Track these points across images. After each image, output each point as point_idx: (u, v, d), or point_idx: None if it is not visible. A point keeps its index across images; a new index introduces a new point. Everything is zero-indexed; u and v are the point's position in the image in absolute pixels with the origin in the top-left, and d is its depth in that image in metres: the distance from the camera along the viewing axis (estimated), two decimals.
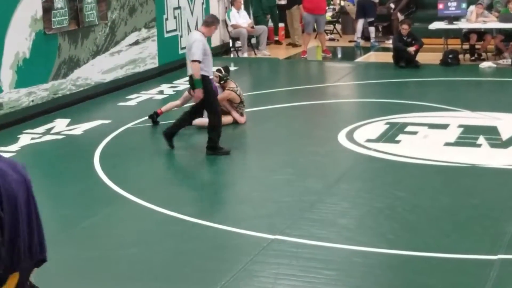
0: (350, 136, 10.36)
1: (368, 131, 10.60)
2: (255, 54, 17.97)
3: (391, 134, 10.41)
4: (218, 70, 11.19)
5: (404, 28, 15.56)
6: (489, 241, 6.78)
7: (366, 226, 7.34)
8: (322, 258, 6.53)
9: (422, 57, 15.63)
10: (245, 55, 17.72)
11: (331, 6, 21.69)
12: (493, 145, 9.78)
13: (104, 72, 13.79)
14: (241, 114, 11.22)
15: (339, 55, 18.63)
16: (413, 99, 12.45)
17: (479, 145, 9.82)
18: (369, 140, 10.15)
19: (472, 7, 16.04)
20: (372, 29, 18.91)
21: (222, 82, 11.11)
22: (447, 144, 9.95)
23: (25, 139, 10.80)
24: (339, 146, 10.01)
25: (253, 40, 18.23)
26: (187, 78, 14.90)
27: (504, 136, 10.14)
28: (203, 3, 17.24)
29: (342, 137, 10.34)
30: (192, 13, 16.79)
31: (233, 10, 17.89)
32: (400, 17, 18.48)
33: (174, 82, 14.78)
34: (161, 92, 13.88)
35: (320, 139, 10.39)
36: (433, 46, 16.64)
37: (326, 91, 14.04)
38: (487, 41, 16.07)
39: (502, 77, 14.46)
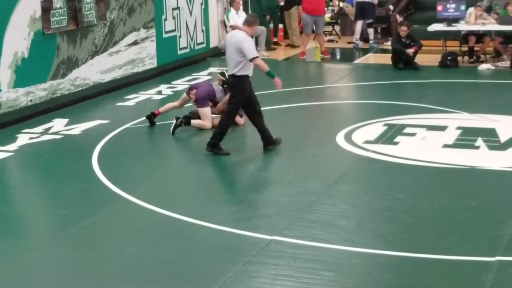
0: (348, 138, 10.36)
1: (367, 132, 10.60)
2: None
3: (389, 136, 10.41)
4: (222, 74, 11.17)
5: (403, 30, 15.56)
6: (487, 243, 6.78)
7: (364, 227, 7.34)
8: (321, 259, 6.53)
9: (421, 59, 15.63)
10: None
11: (330, 8, 21.70)
12: (491, 147, 9.79)
13: (102, 72, 13.79)
14: (241, 116, 11.20)
15: (338, 57, 18.63)
16: (412, 101, 12.45)
17: (478, 147, 9.82)
18: (367, 142, 10.15)
19: (471, 9, 16.04)
20: (371, 31, 18.92)
21: (225, 85, 11.07)
22: (445, 146, 9.95)
23: (23, 138, 10.79)
24: (338, 147, 10.01)
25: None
26: (187, 79, 15.02)
27: (502, 138, 10.14)
28: (202, 4, 17.24)
29: (340, 139, 10.34)
30: (190, 13, 16.79)
31: (232, 11, 17.87)
32: (399, 18, 18.48)
33: (172, 82, 14.77)
34: (159, 93, 13.88)
35: (319, 140, 10.39)
36: (432, 48, 16.65)
37: (325, 92, 14.04)
38: (486, 43, 16.08)
39: (501, 79, 14.46)
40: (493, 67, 15.42)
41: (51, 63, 12.46)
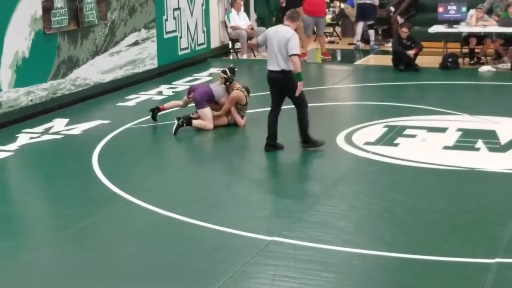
0: (348, 139, 10.36)
1: (367, 134, 10.60)
2: (255, 55, 17.97)
3: (389, 137, 10.41)
4: (223, 72, 11.16)
5: (404, 32, 15.56)
6: (487, 245, 6.79)
7: (364, 228, 7.34)
8: (320, 260, 6.53)
9: (422, 61, 15.63)
10: (245, 56, 17.73)
11: (331, 9, 21.71)
12: (491, 149, 9.79)
13: (103, 72, 13.79)
14: (242, 117, 11.20)
15: (339, 58, 18.64)
16: (412, 103, 12.45)
17: (478, 149, 9.82)
18: (367, 143, 10.15)
19: (472, 11, 16.05)
20: (371, 32, 18.92)
21: (227, 83, 11.08)
22: (445, 147, 9.95)
23: (23, 138, 10.80)
24: (338, 148, 10.01)
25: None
26: (187, 79, 15.02)
27: (503, 140, 10.15)
28: (202, 4, 17.24)
29: (340, 140, 10.34)
30: (191, 14, 16.79)
31: (233, 11, 17.89)
32: (400, 20, 18.47)
33: (173, 83, 14.78)
34: (160, 93, 13.88)
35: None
36: (433, 50, 16.65)
37: (325, 93, 14.04)
38: (487, 45, 16.08)
39: (501, 81, 14.46)
40: (494, 69, 15.43)
41: (52, 63, 12.46)
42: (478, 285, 6.00)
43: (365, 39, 19.05)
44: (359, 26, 18.79)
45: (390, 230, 7.21)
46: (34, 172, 9.70)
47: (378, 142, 10.22)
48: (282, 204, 7.96)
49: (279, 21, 19.60)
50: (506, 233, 7.02)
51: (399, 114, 11.63)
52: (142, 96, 13.59)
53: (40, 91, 12.20)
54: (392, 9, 19.32)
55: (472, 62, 16.14)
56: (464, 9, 16.21)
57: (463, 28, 16.06)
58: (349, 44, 19.35)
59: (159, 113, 11.48)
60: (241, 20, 17.90)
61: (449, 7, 16.22)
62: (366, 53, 18.35)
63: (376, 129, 10.78)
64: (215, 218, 7.53)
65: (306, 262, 6.49)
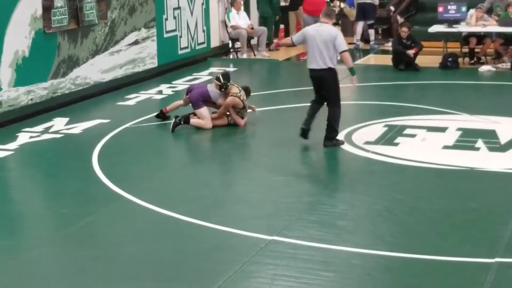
0: (348, 138, 10.36)
1: (367, 133, 10.60)
2: (255, 55, 17.97)
3: (389, 137, 10.41)
4: (217, 79, 11.14)
5: (404, 31, 15.57)
6: (486, 245, 6.79)
7: (364, 228, 7.34)
8: (320, 260, 6.53)
9: (422, 60, 15.63)
10: (245, 56, 17.73)
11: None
12: (491, 149, 9.79)
13: (103, 72, 13.79)
14: (242, 117, 11.19)
15: (338, 57, 18.58)
16: (412, 102, 12.46)
17: (478, 149, 9.83)
18: (367, 143, 10.15)
19: (472, 11, 16.05)
20: (371, 32, 18.92)
21: (223, 89, 11.06)
22: (445, 147, 9.96)
23: (23, 137, 10.80)
24: (338, 148, 10.01)
25: (253, 41, 18.22)
26: (187, 78, 15.02)
27: (503, 140, 10.15)
28: (202, 4, 17.24)
29: (340, 139, 10.32)
30: (191, 13, 16.79)
31: (233, 11, 17.89)
32: (400, 20, 18.48)
33: (173, 82, 14.79)
34: (160, 92, 13.89)
35: (319, 140, 10.38)
36: (433, 49, 16.66)
37: None
38: (487, 45, 16.08)
39: (501, 81, 14.46)
40: (494, 69, 15.43)
41: (52, 62, 12.46)
42: (478, 285, 6.01)
43: (365, 38, 19.05)
44: (359, 26, 18.79)
45: (390, 229, 7.21)
46: (34, 171, 9.70)
47: (378, 141, 10.22)
48: (282, 203, 7.95)
49: (281, 20, 19.70)
50: (506, 232, 7.02)
51: (399, 114, 11.63)
52: (142, 96, 13.60)
53: (40, 90, 12.20)
54: (392, 8, 19.32)
55: (472, 61, 16.14)
56: (464, 8, 16.21)
57: (463, 28, 16.06)
58: (349, 43, 19.19)
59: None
60: (241, 20, 17.90)
61: (449, 7, 16.22)
62: (366, 52, 18.35)
63: (376, 129, 10.78)
64: (215, 217, 7.53)
65: (306, 262, 6.49)
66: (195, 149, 10.77)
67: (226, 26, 18.01)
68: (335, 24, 20.69)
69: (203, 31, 17.36)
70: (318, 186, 8.51)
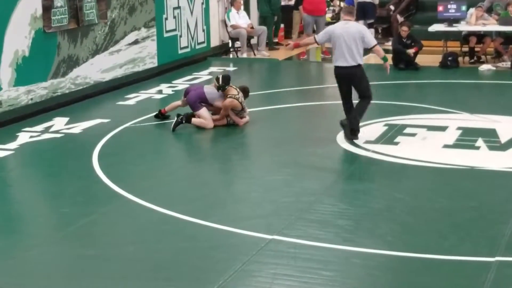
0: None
1: (367, 132, 10.58)
2: (254, 54, 17.97)
3: (390, 136, 10.41)
4: (217, 79, 11.13)
5: (404, 30, 15.57)
6: (487, 244, 6.79)
7: (364, 227, 7.33)
8: (320, 259, 6.53)
9: (422, 59, 15.63)
10: (244, 55, 17.72)
11: (331, 8, 21.70)
12: (491, 148, 9.79)
13: (103, 71, 13.79)
14: (241, 118, 11.17)
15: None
16: (412, 101, 12.46)
17: (478, 148, 9.82)
18: (368, 142, 10.15)
19: (472, 10, 16.05)
20: (371, 31, 18.89)
21: (220, 90, 11.05)
22: (445, 146, 9.95)
23: (23, 137, 10.80)
24: (338, 147, 10.01)
25: (253, 41, 18.22)
26: (187, 78, 15.03)
27: (503, 139, 10.15)
28: (202, 3, 17.24)
29: (341, 138, 10.33)
30: (191, 13, 16.79)
31: (233, 10, 17.89)
32: (400, 19, 18.48)
33: (173, 82, 14.79)
34: (160, 92, 13.89)
35: (319, 140, 10.39)
36: (433, 49, 16.65)
37: (325, 92, 14.05)
38: (487, 44, 16.08)
39: (501, 80, 14.46)
40: (494, 68, 15.43)
41: (52, 61, 12.46)
42: (478, 284, 6.00)
43: None
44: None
45: (390, 228, 7.21)
46: (34, 170, 9.70)
47: (378, 140, 10.22)
48: (282, 202, 7.95)
49: (282, 19, 19.69)
50: (506, 231, 7.02)
51: (399, 113, 11.63)
52: (142, 95, 13.60)
53: (40, 90, 12.20)
54: (392, 7, 19.32)
55: (472, 60, 16.14)
56: (464, 7, 16.21)
57: (463, 27, 16.06)
58: None
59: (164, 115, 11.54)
60: (241, 19, 17.89)
61: (449, 6, 16.21)
62: (366, 51, 18.26)
63: (376, 128, 10.78)
64: (215, 217, 7.53)
65: (306, 261, 6.49)
66: (195, 148, 10.77)
67: (226, 25, 18.00)
68: (335, 23, 20.85)
69: (203, 30, 17.36)
70: (318, 185, 8.50)
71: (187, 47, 16.66)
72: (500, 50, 16.07)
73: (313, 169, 9.20)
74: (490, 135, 10.30)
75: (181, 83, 14.58)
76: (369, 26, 18.82)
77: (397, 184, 8.61)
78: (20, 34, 11.74)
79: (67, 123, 11.55)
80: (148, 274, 6.32)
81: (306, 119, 12.09)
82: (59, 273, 6.49)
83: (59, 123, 11.57)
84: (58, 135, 10.92)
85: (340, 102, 10.36)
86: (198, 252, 6.75)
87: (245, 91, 11.27)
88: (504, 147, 9.84)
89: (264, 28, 18.17)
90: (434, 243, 6.84)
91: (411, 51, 15.31)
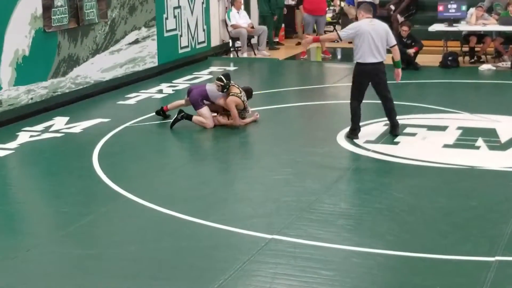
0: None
1: (367, 132, 10.59)
2: (255, 54, 17.97)
3: (390, 136, 10.41)
4: (219, 79, 11.10)
5: (404, 30, 15.56)
6: (486, 243, 6.79)
7: (364, 226, 7.34)
8: (320, 258, 6.53)
9: (422, 59, 15.63)
10: (245, 55, 17.73)
11: (332, 7, 21.70)
12: (491, 148, 9.79)
13: (103, 71, 13.80)
14: (242, 118, 11.16)
15: (339, 56, 18.64)
16: (412, 101, 12.46)
17: (478, 147, 9.83)
18: (368, 141, 10.15)
19: (472, 10, 16.05)
20: None
21: (225, 90, 11.03)
22: (445, 146, 9.96)
23: (24, 136, 10.81)
24: (338, 146, 10.02)
25: (254, 40, 18.23)
26: (188, 78, 15.03)
27: (503, 139, 10.15)
28: (203, 3, 17.24)
29: (341, 138, 10.34)
30: (192, 12, 16.79)
31: (233, 10, 17.89)
32: (400, 19, 18.47)
33: (173, 81, 14.79)
34: (160, 91, 13.89)
35: (319, 139, 10.40)
36: (433, 48, 16.65)
37: (326, 92, 14.05)
38: (487, 44, 16.08)
39: (501, 80, 14.46)
40: (494, 68, 15.43)
41: (52, 61, 12.46)
42: (478, 283, 6.01)
43: None
44: None
45: (390, 228, 7.21)
46: (34, 170, 9.70)
47: (378, 140, 10.22)
48: (283, 202, 7.96)
49: (283, 19, 19.69)
50: (506, 231, 7.02)
51: (399, 113, 11.56)
52: (143, 95, 13.60)
53: (40, 89, 12.20)
54: (392, 7, 19.30)
55: (472, 60, 16.14)
56: (464, 7, 16.21)
57: (463, 27, 16.06)
58: (350, 42, 19.28)
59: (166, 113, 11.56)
60: (242, 19, 17.90)
61: (449, 6, 16.21)
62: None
63: (377, 128, 10.78)
64: (216, 216, 7.53)
65: (306, 260, 6.49)
66: (195, 148, 10.77)
67: (227, 25, 18.01)
68: (335, 23, 20.89)
69: (204, 30, 17.37)
70: (319, 185, 8.50)
71: (187, 46, 16.66)
72: (500, 50, 16.07)
73: (314, 168, 9.20)
74: (490, 135, 10.31)
75: (182, 83, 14.58)
76: None
77: (397, 183, 8.62)
78: (20, 34, 11.75)
79: (67, 123, 11.55)
80: (148, 274, 6.32)
81: (307, 118, 12.09)
82: (59, 272, 6.49)
83: (59, 122, 11.58)
84: (58, 135, 10.92)
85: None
86: (198, 251, 6.75)
87: (248, 92, 11.27)
88: (504, 146, 9.84)
89: (264, 27, 18.17)
90: (434, 243, 6.84)
91: (411, 51, 15.31)
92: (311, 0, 17.49)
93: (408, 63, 15.39)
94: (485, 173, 8.89)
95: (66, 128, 11.25)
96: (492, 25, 15.82)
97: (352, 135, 10.28)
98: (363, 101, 10.56)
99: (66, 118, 11.79)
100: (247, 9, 18.99)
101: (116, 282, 6.24)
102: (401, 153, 9.61)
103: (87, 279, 6.29)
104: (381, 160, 9.43)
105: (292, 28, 20.55)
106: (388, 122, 10.59)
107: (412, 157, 9.43)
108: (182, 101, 11.59)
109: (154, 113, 11.70)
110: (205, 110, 11.02)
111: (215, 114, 11.17)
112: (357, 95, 10.34)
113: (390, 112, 10.42)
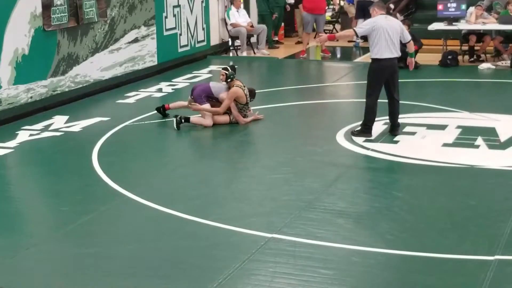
0: (348, 136, 10.36)
1: None
2: (254, 53, 17.97)
3: (389, 134, 10.41)
4: (225, 68, 11.11)
5: None
6: (486, 242, 6.79)
7: (364, 225, 7.34)
8: (320, 257, 6.53)
9: (421, 58, 15.63)
10: (244, 54, 17.73)
11: (331, 6, 21.70)
12: (491, 146, 9.79)
13: (103, 70, 13.79)
14: (244, 116, 11.15)
15: (338, 55, 18.64)
16: (412, 100, 12.45)
17: (477, 146, 9.83)
18: (367, 140, 10.15)
19: (471, 9, 16.04)
20: None
21: (229, 80, 11.05)
22: (445, 144, 9.96)
23: (23, 135, 10.80)
24: (338, 145, 10.02)
25: (253, 39, 18.23)
26: (187, 76, 15.02)
27: (502, 138, 10.15)
28: (202, 2, 17.23)
29: (340, 137, 10.34)
30: (191, 11, 16.79)
31: (233, 9, 17.89)
32: (400, 17, 18.44)
33: (173, 80, 14.79)
34: (159, 90, 13.89)
35: (319, 138, 10.40)
36: (432, 47, 16.65)
37: (325, 90, 14.04)
38: (486, 43, 16.08)
39: (501, 79, 14.47)
40: (494, 67, 15.43)
41: (52, 60, 12.46)
42: (478, 282, 6.01)
43: (365, 36, 19.01)
44: (359, 23, 18.74)
45: (390, 227, 7.21)
46: (34, 169, 9.70)
47: (378, 139, 10.22)
48: (282, 201, 7.96)
49: (281, 19, 19.69)
50: (506, 230, 7.02)
51: (399, 112, 11.61)
52: (142, 93, 13.60)
53: (39, 88, 12.20)
54: (392, 6, 19.28)
55: (472, 59, 16.14)
56: (463, 6, 16.21)
57: (462, 26, 16.06)
58: (349, 41, 19.34)
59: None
60: (241, 17, 17.90)
61: (448, 5, 16.21)
62: (365, 50, 18.27)
63: (376, 126, 10.75)
64: (215, 215, 7.53)
65: (306, 259, 6.49)
66: (195, 147, 10.76)
67: (226, 24, 18.01)
68: (335, 22, 20.89)
69: (203, 29, 17.36)
70: (318, 184, 8.50)
71: (187, 45, 16.66)
72: (500, 48, 16.07)
73: (313, 167, 9.20)
74: (489, 134, 10.30)
75: (181, 82, 14.58)
76: None
77: (396, 182, 8.62)
78: (20, 33, 11.75)
79: (67, 122, 11.55)
80: (147, 272, 6.32)
81: (306, 117, 12.09)
82: (59, 271, 6.49)
83: (58, 121, 11.57)
84: (58, 134, 10.92)
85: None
86: (197, 250, 6.75)
87: (252, 93, 11.27)
88: (503, 145, 9.84)
89: (264, 26, 18.17)
90: (434, 242, 6.84)
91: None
92: None
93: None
94: (485, 172, 8.89)
95: (66, 127, 11.25)
96: (492, 24, 15.82)
97: (366, 133, 10.26)
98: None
99: (66, 117, 11.79)
100: (247, 7, 18.98)
101: (115, 280, 6.24)
102: (400, 152, 9.61)
103: (86, 277, 6.28)
104: (381, 159, 9.43)
105: (292, 27, 20.56)
106: (388, 121, 10.57)
107: (411, 156, 9.43)
108: (185, 103, 11.57)
109: (153, 112, 11.70)
110: (206, 107, 11.01)
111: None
112: (375, 92, 10.30)
113: (394, 114, 10.42)
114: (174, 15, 16.12)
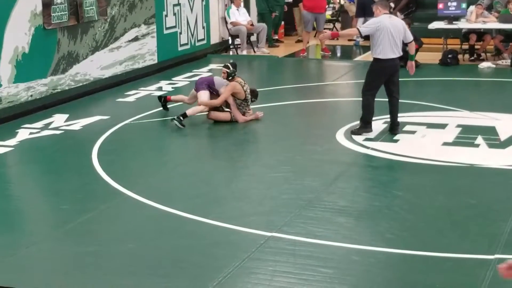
0: (348, 135, 10.36)
1: None
2: (254, 52, 17.97)
3: (389, 133, 10.41)
4: (226, 66, 11.15)
5: None
6: (486, 241, 6.79)
7: (363, 224, 7.34)
8: (320, 256, 6.53)
9: (422, 57, 15.62)
10: (244, 52, 17.72)
11: (331, 5, 21.70)
12: (491, 145, 9.79)
13: (103, 68, 13.79)
14: (243, 114, 11.15)
15: (338, 54, 18.64)
16: (412, 99, 12.45)
17: (477, 145, 9.83)
18: (367, 139, 10.15)
19: (472, 7, 16.05)
20: None
21: (230, 78, 11.07)
22: (445, 143, 9.96)
23: (23, 134, 10.80)
24: (338, 144, 10.02)
25: (253, 38, 18.23)
26: (187, 75, 15.02)
27: (502, 137, 10.15)
28: (202, 0, 17.23)
29: (340, 136, 10.34)
30: (191, 10, 16.79)
31: (233, 7, 17.89)
32: (400, 16, 18.44)
33: (173, 78, 14.79)
34: (159, 89, 13.88)
35: (319, 137, 10.40)
36: (433, 46, 16.64)
37: (325, 89, 14.04)
38: (487, 42, 16.08)
39: (501, 78, 14.47)
40: (494, 65, 15.43)
41: (52, 58, 12.46)
42: (478, 281, 6.01)
43: (365, 35, 19.01)
44: (359, 22, 18.73)
45: (390, 226, 7.21)
46: (34, 167, 9.70)
47: (378, 138, 10.22)
48: (282, 199, 7.96)
49: (281, 17, 19.68)
50: (505, 229, 7.02)
51: (399, 110, 11.61)
52: (142, 92, 13.60)
53: (40, 87, 12.20)
54: (392, 5, 19.28)
55: (472, 58, 16.15)
56: (464, 5, 16.22)
57: (463, 25, 16.06)
58: (349, 40, 19.34)
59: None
60: (241, 16, 17.89)
61: (449, 3, 16.23)
62: (366, 49, 18.28)
63: (376, 125, 10.76)
64: (215, 214, 7.53)
65: (306, 258, 6.49)
66: (195, 145, 10.76)
67: (226, 22, 18.00)
68: (335, 20, 20.88)
69: (203, 27, 17.36)
70: (318, 182, 8.50)
71: (187, 44, 16.66)
72: (500, 47, 16.07)
73: (313, 166, 9.20)
74: (489, 133, 10.31)
75: (181, 80, 14.58)
76: None
77: (396, 181, 8.62)
78: (20, 31, 11.74)
79: (67, 120, 11.55)
80: (147, 271, 6.32)
81: (306, 116, 12.09)
82: (59, 269, 6.49)
83: (58, 119, 11.57)
84: (58, 132, 10.92)
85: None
86: (197, 249, 6.75)
87: (254, 93, 11.28)
88: (503, 144, 9.85)
89: (264, 25, 18.17)
90: (434, 241, 6.84)
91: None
92: None
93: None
94: (485, 171, 8.89)
95: (66, 126, 11.25)
96: (492, 23, 15.83)
97: (366, 129, 10.29)
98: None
99: (66, 116, 11.79)
100: (247, 6, 18.98)
101: (115, 279, 6.24)
102: (400, 151, 9.61)
103: (86, 276, 6.28)
104: (381, 158, 9.43)
105: (292, 25, 20.56)
106: (388, 120, 10.58)
107: (411, 155, 9.43)
108: (186, 97, 11.64)
109: (154, 110, 11.72)
110: (203, 93, 11.09)
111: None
112: (373, 90, 10.32)
113: (394, 112, 10.41)
114: (174, 14, 16.12)
